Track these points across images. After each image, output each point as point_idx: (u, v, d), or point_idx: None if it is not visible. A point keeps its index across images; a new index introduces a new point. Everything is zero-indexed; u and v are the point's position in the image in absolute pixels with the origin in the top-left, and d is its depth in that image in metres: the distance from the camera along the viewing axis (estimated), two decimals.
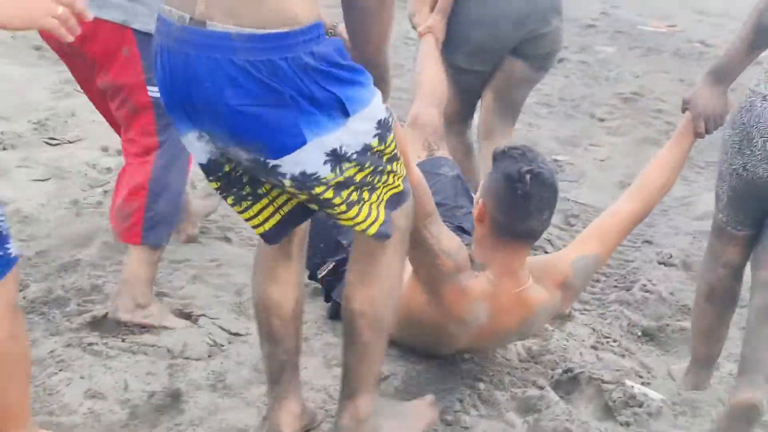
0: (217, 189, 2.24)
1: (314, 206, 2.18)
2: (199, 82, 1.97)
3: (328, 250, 3.09)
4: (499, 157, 2.63)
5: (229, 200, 2.24)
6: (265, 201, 2.22)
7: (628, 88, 6.81)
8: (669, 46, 7.99)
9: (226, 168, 2.16)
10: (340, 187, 2.08)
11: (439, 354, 2.91)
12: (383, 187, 2.17)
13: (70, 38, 1.82)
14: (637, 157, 5.51)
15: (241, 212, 2.26)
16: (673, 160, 2.96)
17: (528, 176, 2.51)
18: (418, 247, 2.52)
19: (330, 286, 3.11)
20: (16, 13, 1.77)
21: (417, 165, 2.56)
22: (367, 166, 2.10)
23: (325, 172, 2.05)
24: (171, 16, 2.02)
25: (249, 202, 2.23)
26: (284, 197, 2.22)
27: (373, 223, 2.18)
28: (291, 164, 2.03)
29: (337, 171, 2.06)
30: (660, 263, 4.17)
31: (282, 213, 2.25)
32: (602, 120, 6.18)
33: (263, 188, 2.20)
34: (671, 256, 4.22)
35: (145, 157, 2.93)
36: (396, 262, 2.31)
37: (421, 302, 2.69)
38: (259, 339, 2.46)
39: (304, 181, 2.05)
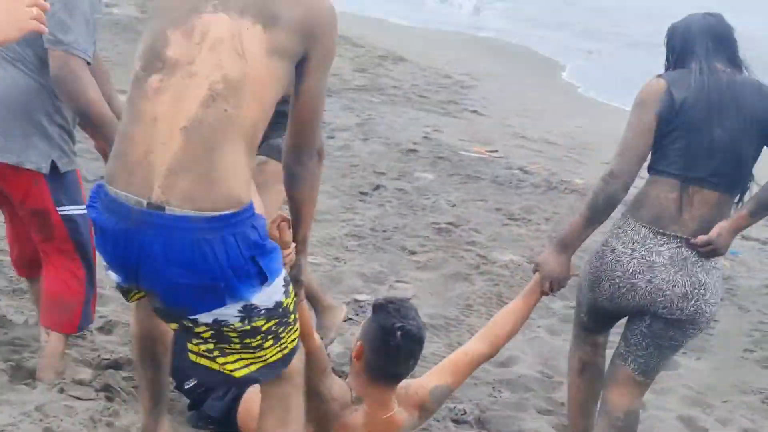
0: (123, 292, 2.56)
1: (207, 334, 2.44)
2: (152, 258, 2.27)
3: (187, 365, 3.10)
4: (377, 308, 3.14)
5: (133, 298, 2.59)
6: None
7: (443, 218, 6.69)
8: (488, 172, 7.97)
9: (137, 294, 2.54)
10: (249, 334, 2.41)
11: None
12: (287, 337, 2.51)
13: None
14: (442, 297, 5.32)
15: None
16: (520, 311, 3.45)
17: (399, 332, 3.03)
18: (314, 397, 2.95)
19: (197, 398, 3.41)
20: (5, 26, 2.09)
21: None
22: (274, 317, 2.43)
23: (234, 321, 2.38)
24: (127, 200, 2.29)
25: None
26: None
27: (257, 365, 2.51)
28: (205, 316, 2.37)
29: (245, 322, 2.39)
30: (453, 420, 3.91)
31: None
32: (413, 253, 5.99)
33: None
34: (465, 413, 3.97)
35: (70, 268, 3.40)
36: (302, 402, 2.69)
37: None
38: (140, 368, 2.86)
39: (215, 324, 2.39)
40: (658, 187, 3.19)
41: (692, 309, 3.17)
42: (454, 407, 4.01)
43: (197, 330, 2.42)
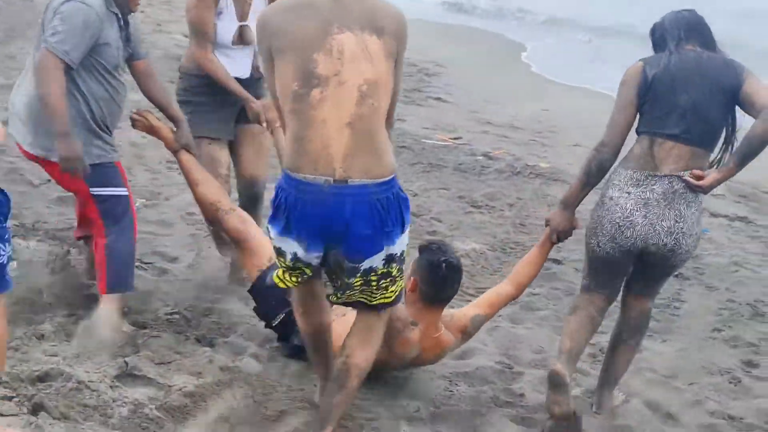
0: (289, 269, 3.28)
1: (356, 287, 3.28)
2: (344, 217, 3.08)
3: (277, 305, 4.05)
4: (423, 249, 3.93)
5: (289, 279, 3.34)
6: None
7: None
8: (451, 160, 7.83)
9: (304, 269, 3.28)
10: (384, 276, 3.26)
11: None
12: (400, 281, 3.37)
13: None
14: None
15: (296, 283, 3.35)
16: (537, 259, 4.21)
17: (444, 264, 3.84)
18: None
19: (286, 331, 4.11)
20: None
21: None
22: (399, 265, 3.29)
23: (379, 266, 3.22)
24: (316, 180, 3.09)
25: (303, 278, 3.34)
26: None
27: (390, 299, 3.37)
28: (366, 264, 3.20)
29: (387, 267, 3.24)
30: (406, 419, 3.75)
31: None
32: None
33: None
34: (418, 410, 3.81)
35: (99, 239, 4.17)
36: (383, 333, 3.49)
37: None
38: (315, 354, 3.62)
39: (366, 272, 3.22)
40: (641, 144, 3.82)
41: (672, 243, 3.77)
42: (407, 404, 3.86)
43: (354, 281, 3.25)
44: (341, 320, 3.73)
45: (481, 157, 8.03)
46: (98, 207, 4.12)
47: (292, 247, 3.18)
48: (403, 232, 3.19)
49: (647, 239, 3.77)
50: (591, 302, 3.96)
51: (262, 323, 4.24)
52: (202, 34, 4.52)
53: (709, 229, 6.74)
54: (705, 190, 3.75)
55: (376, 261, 3.19)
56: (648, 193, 3.75)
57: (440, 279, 3.85)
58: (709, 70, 3.76)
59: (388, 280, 3.27)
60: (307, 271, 3.26)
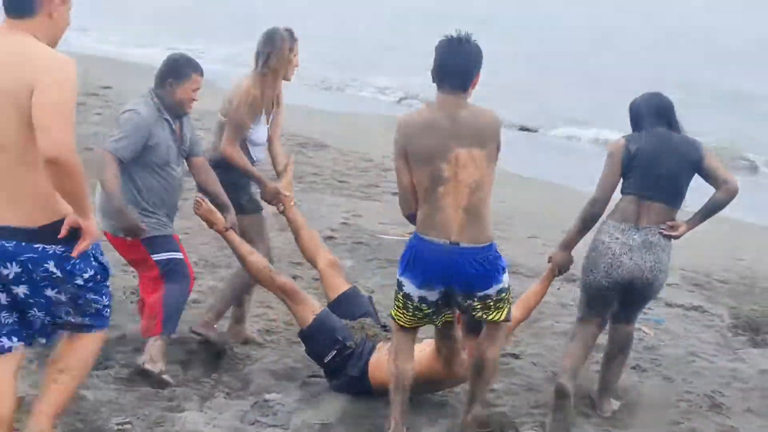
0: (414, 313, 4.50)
1: (477, 310, 4.47)
2: (459, 266, 4.31)
3: (328, 344, 5.04)
4: None
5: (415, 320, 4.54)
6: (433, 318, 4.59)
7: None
8: None
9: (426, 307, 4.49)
10: (499, 302, 4.47)
11: (431, 391, 5.12)
12: (509, 303, 4.56)
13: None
14: None
15: (412, 322, 4.54)
16: (541, 289, 5.38)
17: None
18: (451, 339, 4.79)
19: (336, 366, 5.02)
20: None
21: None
22: (508, 292, 4.53)
23: (493, 293, 4.43)
24: (439, 241, 4.32)
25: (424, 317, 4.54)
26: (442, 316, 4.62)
27: (502, 317, 4.53)
28: (482, 293, 4.40)
29: (498, 295, 4.45)
30: None
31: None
32: None
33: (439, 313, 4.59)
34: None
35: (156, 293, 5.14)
36: (502, 339, 4.71)
37: (437, 367, 4.88)
38: (397, 395, 4.51)
39: (482, 298, 4.42)
40: (625, 201, 4.96)
41: (653, 278, 4.91)
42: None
43: (475, 303, 4.44)
44: (419, 349, 4.80)
45: None
46: (160, 270, 5.12)
47: (419, 290, 4.43)
48: (503, 273, 4.46)
49: (633, 275, 4.88)
50: (586, 330, 5.06)
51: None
52: (240, 134, 5.44)
53: (665, 319, 6.78)
54: (678, 237, 4.95)
55: (491, 291, 4.42)
56: (630, 240, 4.88)
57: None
58: (678, 147, 4.92)
59: (501, 303, 4.49)
60: (425, 310, 4.47)
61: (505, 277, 4.46)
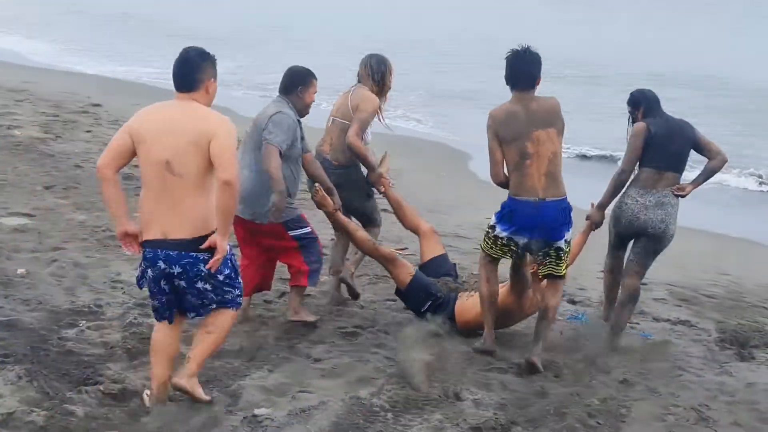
0: (500, 247, 6.07)
1: (551, 257, 5.98)
2: (545, 218, 5.81)
3: (424, 298, 6.59)
4: None
5: (500, 253, 6.08)
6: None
7: (351, 322, 6.60)
8: None
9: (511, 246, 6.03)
10: (563, 252, 5.95)
11: (505, 326, 6.55)
12: (567, 255, 6.04)
13: None
14: (346, 404, 5.12)
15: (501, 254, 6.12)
16: (581, 241, 6.76)
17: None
18: (523, 277, 6.23)
19: (432, 313, 6.48)
20: None
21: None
22: (569, 245, 6.03)
23: (563, 245, 5.94)
24: (529, 198, 5.84)
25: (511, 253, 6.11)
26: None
27: (563, 271, 6.02)
28: (557, 243, 5.91)
29: (565, 246, 5.97)
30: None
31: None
32: (318, 360, 5.84)
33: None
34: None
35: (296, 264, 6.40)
36: (561, 292, 6.24)
37: (510, 301, 6.31)
38: (486, 309, 6.19)
39: (556, 248, 5.93)
40: (645, 172, 6.42)
41: (663, 227, 6.37)
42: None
43: (551, 251, 5.92)
44: (473, 299, 6.42)
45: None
46: (298, 243, 6.29)
47: (510, 233, 5.96)
48: (571, 227, 5.97)
49: (647, 225, 6.38)
50: (614, 262, 6.72)
51: None
52: (364, 131, 6.68)
53: (653, 333, 6.83)
54: (685, 196, 6.44)
55: (561, 243, 5.95)
56: (647, 202, 6.38)
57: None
58: (681, 129, 6.47)
59: (565, 255, 6.00)
60: (514, 248, 6.02)
61: (571, 232, 6.02)
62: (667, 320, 7.20)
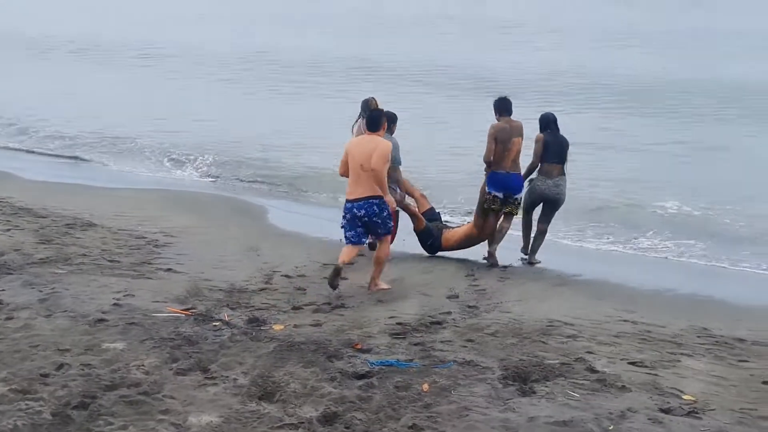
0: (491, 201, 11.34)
1: (511, 203, 11.33)
2: (511, 184, 11.30)
3: (426, 239, 11.71)
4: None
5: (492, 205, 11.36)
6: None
7: (135, 389, 6.34)
8: (184, 332, 7.66)
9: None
10: (518, 201, 11.43)
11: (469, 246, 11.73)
12: (520, 204, 11.57)
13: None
14: None
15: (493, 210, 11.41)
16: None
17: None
18: (488, 221, 11.52)
19: (433, 246, 11.70)
20: None
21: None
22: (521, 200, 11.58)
23: (519, 198, 11.41)
24: (503, 172, 11.16)
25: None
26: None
27: (517, 212, 11.57)
28: (517, 196, 11.34)
29: (520, 199, 11.43)
30: None
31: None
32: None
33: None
34: None
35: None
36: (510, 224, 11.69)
37: (475, 233, 11.59)
38: (489, 238, 11.61)
39: (516, 199, 11.33)
40: (544, 166, 11.26)
41: (559, 197, 11.31)
42: None
43: (511, 200, 11.20)
44: (450, 233, 11.68)
45: (217, 323, 7.95)
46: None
47: (494, 191, 11.07)
48: (523, 189, 11.22)
49: (548, 195, 11.23)
50: (527, 217, 11.55)
51: None
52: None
53: (453, 362, 6.96)
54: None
55: (519, 196, 11.22)
56: (547, 183, 11.21)
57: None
58: (562, 140, 11.29)
59: (519, 204, 11.24)
60: (497, 200, 11.12)
61: (523, 192, 11.23)
62: (453, 361, 7.36)
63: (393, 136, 10.93)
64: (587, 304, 9.47)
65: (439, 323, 8.43)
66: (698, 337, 8.42)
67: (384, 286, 9.74)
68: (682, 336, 8.40)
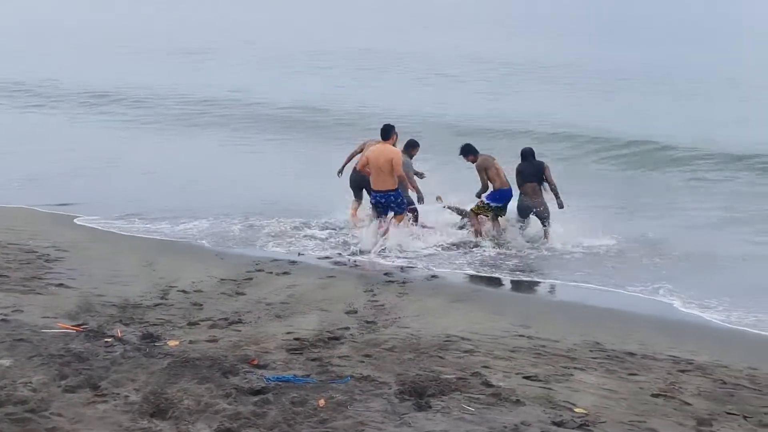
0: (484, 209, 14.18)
1: (503, 210, 14.26)
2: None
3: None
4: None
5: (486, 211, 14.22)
6: None
7: (21, 408, 6.12)
8: (76, 348, 7.45)
9: None
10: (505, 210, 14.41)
11: None
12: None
13: None
14: None
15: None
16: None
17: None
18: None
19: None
20: None
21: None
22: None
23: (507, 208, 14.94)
24: (504, 188, 13.98)
25: None
26: None
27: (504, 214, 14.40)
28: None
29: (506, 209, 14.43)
30: None
31: None
32: None
33: None
34: None
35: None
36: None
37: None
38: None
39: (505, 208, 14.14)
40: (523, 188, 13.63)
41: (542, 211, 13.60)
42: None
43: (503, 209, 13.91)
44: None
45: (108, 340, 7.77)
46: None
47: (494, 203, 13.63)
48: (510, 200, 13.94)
49: (531, 209, 13.57)
50: (522, 222, 13.90)
51: None
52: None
53: (350, 377, 6.93)
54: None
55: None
56: (528, 201, 13.56)
57: None
58: (535, 166, 13.63)
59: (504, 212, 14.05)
60: (492, 208, 13.73)
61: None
62: (351, 376, 7.33)
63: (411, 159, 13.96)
64: (484, 319, 9.56)
65: (336, 338, 8.39)
66: (591, 351, 8.58)
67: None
68: (575, 350, 8.55)
